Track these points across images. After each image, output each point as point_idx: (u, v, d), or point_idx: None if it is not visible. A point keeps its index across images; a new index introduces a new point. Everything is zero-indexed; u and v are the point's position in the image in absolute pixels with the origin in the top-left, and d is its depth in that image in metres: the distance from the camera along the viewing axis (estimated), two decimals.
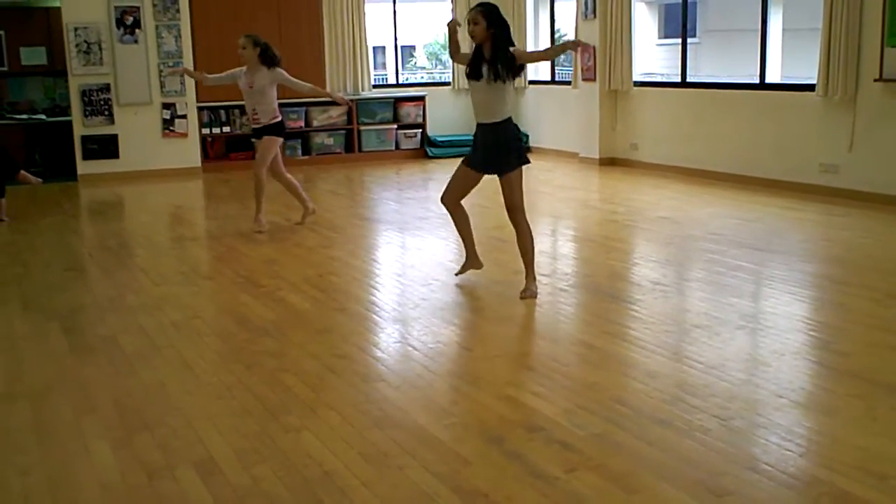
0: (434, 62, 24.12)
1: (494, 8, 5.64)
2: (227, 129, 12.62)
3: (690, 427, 3.74)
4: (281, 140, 8.34)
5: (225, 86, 8.69)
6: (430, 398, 4.20)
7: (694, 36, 19.97)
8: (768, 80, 10.19)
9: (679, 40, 11.58)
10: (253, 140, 8.66)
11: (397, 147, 13.65)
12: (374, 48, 15.40)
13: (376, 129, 13.53)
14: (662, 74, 16.89)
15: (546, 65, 13.96)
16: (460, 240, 6.31)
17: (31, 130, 12.54)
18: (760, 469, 3.36)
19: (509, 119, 5.81)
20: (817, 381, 4.38)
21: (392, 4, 14.05)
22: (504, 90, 5.66)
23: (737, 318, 5.31)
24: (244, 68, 8.17)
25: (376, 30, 14.56)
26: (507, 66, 5.56)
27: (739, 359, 4.66)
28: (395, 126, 13.64)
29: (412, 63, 25.73)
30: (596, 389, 4.21)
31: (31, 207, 9.95)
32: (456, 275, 6.31)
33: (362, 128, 13.44)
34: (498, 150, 5.79)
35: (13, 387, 4.53)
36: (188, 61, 12.11)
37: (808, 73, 9.57)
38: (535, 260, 5.99)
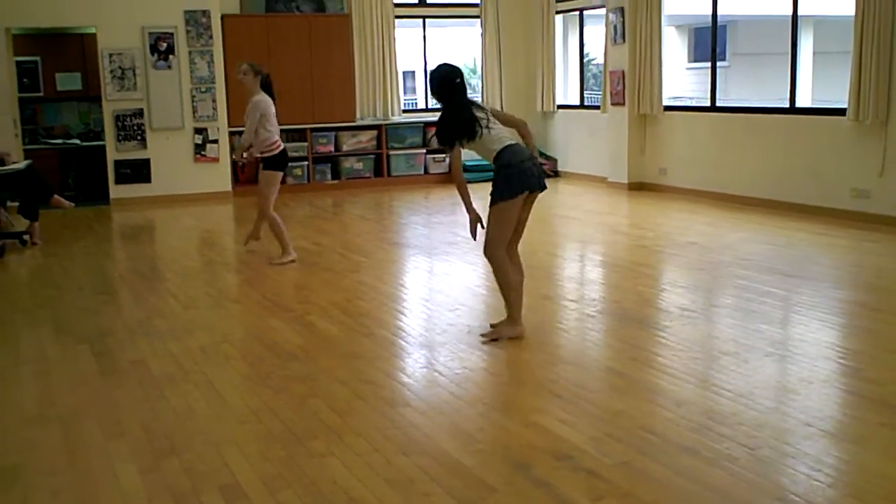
0: None
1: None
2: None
3: (718, 456, 3.71)
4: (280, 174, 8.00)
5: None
6: (457, 424, 4.20)
7: (724, 59, 19.91)
8: (799, 104, 10.15)
9: (709, 64, 11.55)
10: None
11: (426, 172, 13.71)
12: (403, 73, 15.50)
13: (405, 154, 13.60)
14: (692, 98, 16.86)
15: (575, 89, 13.99)
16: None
17: (66, 155, 12.71)
18: (789, 499, 3.33)
19: (497, 153, 5.39)
20: (847, 410, 4.34)
21: (422, 29, 14.15)
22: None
23: (766, 345, 5.26)
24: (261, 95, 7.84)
25: (406, 54, 14.66)
26: None
27: (768, 387, 4.63)
28: (425, 151, 13.70)
29: None
30: (623, 417, 4.20)
31: (63, 231, 10.08)
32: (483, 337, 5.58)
33: (391, 152, 13.52)
34: None
35: (45, 409, 4.59)
36: (220, 87, 12.27)
37: (839, 97, 9.51)
38: (520, 295, 5.51)
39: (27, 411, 4.57)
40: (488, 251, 5.46)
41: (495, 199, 5.37)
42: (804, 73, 10.38)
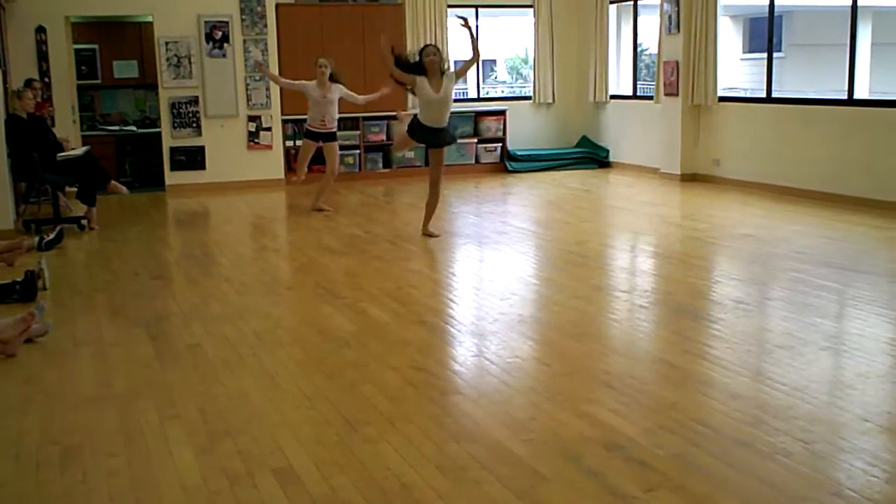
0: (515, 76, 24.14)
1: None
2: None
3: (772, 450, 3.67)
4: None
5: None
6: (508, 413, 4.20)
7: (780, 50, 19.64)
8: (857, 95, 9.97)
9: (764, 55, 11.39)
10: (322, 143, 10.19)
11: (477, 161, 13.71)
12: (455, 62, 15.46)
13: (456, 143, 13.56)
14: (746, 89, 16.66)
15: (628, 80, 13.89)
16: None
17: (122, 141, 12.92)
18: (845, 495, 3.29)
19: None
20: None
21: (475, 18, 14.10)
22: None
23: (821, 338, 5.20)
24: (314, 83, 9.97)
25: (458, 44, 14.63)
26: None
27: (823, 381, 4.57)
28: (476, 140, 13.70)
29: (493, 77, 25.77)
30: (676, 409, 4.17)
31: (120, 216, 10.23)
32: None
33: None
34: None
35: (102, 391, 4.67)
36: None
37: None
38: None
39: (85, 392, 4.66)
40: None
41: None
42: (862, 64, 10.17)
